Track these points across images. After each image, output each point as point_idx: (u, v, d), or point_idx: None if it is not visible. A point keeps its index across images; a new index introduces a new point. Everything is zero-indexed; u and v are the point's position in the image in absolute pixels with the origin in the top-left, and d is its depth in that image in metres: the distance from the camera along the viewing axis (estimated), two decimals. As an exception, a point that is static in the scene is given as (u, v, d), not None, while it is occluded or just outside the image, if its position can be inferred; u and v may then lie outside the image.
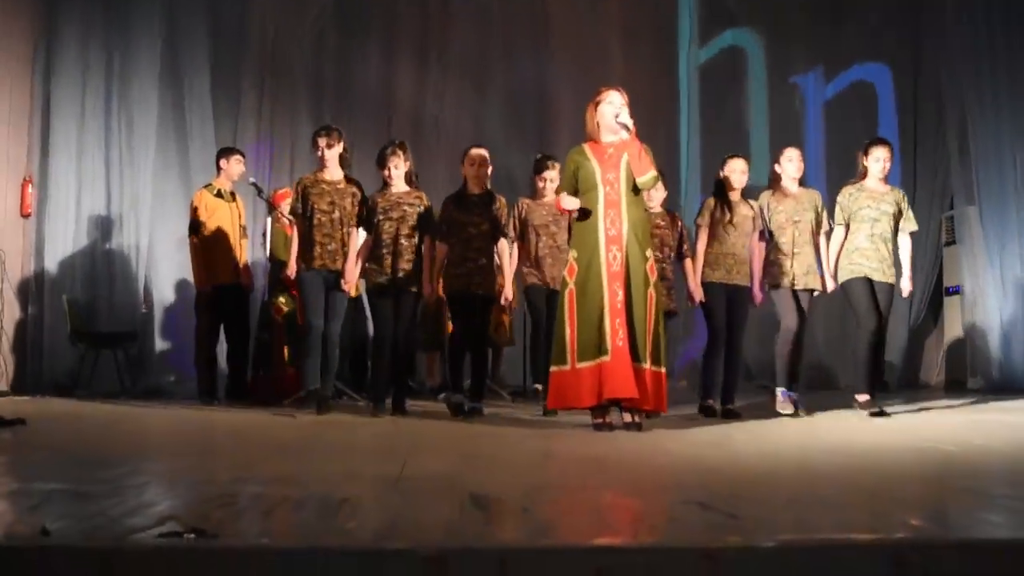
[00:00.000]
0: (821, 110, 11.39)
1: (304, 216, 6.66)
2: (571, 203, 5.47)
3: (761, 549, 2.10)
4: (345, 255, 6.62)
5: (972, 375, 9.98)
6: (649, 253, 5.42)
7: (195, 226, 7.82)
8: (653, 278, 5.39)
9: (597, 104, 5.55)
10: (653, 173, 5.42)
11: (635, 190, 5.44)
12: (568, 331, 5.35)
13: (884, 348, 6.68)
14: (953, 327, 10.44)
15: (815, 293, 6.64)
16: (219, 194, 7.91)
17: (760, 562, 2.05)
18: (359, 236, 6.66)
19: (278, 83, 10.65)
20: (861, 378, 6.44)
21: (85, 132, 9.40)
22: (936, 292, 10.90)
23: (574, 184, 5.54)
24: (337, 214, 6.62)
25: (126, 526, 2.32)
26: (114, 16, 9.58)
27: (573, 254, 5.47)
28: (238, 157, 8.08)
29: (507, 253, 6.71)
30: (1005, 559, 2.10)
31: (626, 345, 5.20)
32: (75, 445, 4.75)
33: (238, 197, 8.11)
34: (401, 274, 6.48)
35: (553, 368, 5.43)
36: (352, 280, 6.69)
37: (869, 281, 6.40)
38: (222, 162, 8.03)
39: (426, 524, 2.43)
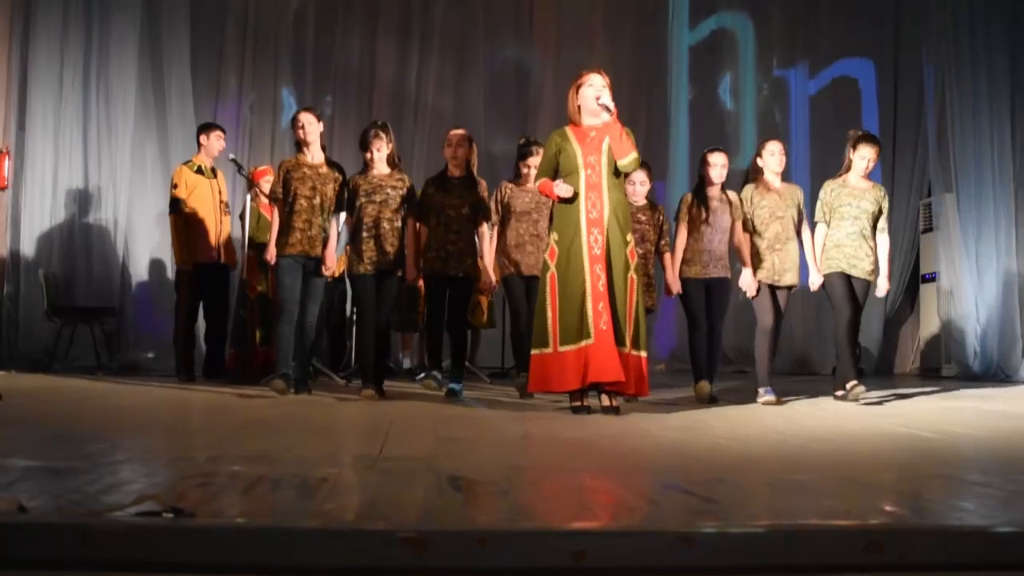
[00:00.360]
0: (806, 101, 11.39)
1: (285, 201, 6.52)
2: (565, 190, 5.39)
3: (738, 533, 2.11)
4: (324, 241, 6.53)
5: (947, 362, 10.07)
6: (630, 237, 5.42)
7: (175, 203, 7.78)
8: (633, 262, 5.40)
9: (578, 87, 5.54)
10: (634, 155, 5.41)
11: (616, 173, 5.45)
12: (550, 314, 5.35)
13: (858, 337, 6.67)
14: (929, 314, 10.53)
15: (793, 289, 6.62)
16: (199, 170, 7.87)
17: (737, 546, 2.07)
18: (340, 219, 6.63)
19: (259, 60, 10.58)
20: (848, 365, 6.41)
21: (63, 105, 9.34)
22: (913, 279, 10.98)
23: (554, 166, 5.53)
24: (318, 200, 6.48)
25: (103, 503, 2.31)
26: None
27: (554, 236, 5.47)
28: (218, 133, 8.04)
29: (487, 237, 6.66)
30: (978, 546, 2.13)
31: (610, 329, 5.21)
32: (51, 421, 4.73)
33: (219, 173, 8.06)
34: (384, 257, 6.42)
35: (535, 352, 5.42)
36: (332, 265, 6.63)
37: (845, 276, 6.41)
38: (202, 138, 7.99)
39: (405, 505, 2.43)
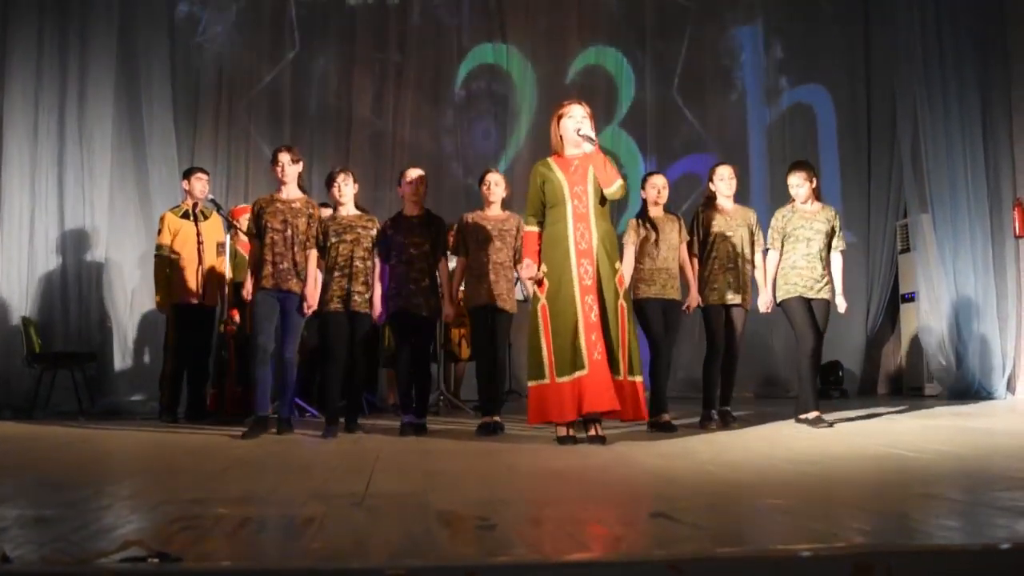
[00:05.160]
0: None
1: (258, 236, 6.53)
2: (529, 270, 5.57)
3: (727, 559, 2.12)
4: (298, 275, 6.49)
5: (928, 381, 10.12)
6: (618, 265, 5.47)
7: (159, 248, 7.82)
8: (622, 289, 5.43)
9: (559, 118, 5.58)
10: (620, 182, 5.44)
11: (602, 202, 5.48)
12: (544, 345, 5.37)
13: (820, 363, 6.73)
14: (909, 333, 10.59)
15: (747, 310, 6.72)
16: (185, 214, 7.89)
17: (726, 572, 2.07)
18: (314, 258, 6.62)
19: (235, 101, 10.62)
20: (808, 396, 6.49)
21: (39, 150, 9.30)
22: (892, 299, 11.05)
23: (541, 197, 5.57)
24: (290, 232, 6.47)
25: (89, 550, 2.29)
26: (69, 33, 9.49)
27: (543, 269, 5.50)
28: (199, 175, 8.06)
29: (447, 273, 6.68)
30: (965, 565, 2.13)
31: (604, 359, 5.24)
32: (34, 468, 4.69)
33: (211, 215, 8.04)
34: (356, 296, 6.47)
35: (532, 383, 5.45)
36: (314, 303, 6.55)
37: (805, 300, 6.50)
38: (184, 183, 8.07)
39: (393, 542, 2.42)
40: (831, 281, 6.58)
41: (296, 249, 6.49)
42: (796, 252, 6.55)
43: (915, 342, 10.42)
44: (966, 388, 9.50)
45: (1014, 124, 9.89)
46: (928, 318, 9.96)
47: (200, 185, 8.00)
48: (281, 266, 6.44)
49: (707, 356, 6.70)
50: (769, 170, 11.15)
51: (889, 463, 4.26)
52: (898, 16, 10.39)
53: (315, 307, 6.54)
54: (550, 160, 5.62)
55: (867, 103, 11.41)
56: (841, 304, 6.65)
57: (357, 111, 10.93)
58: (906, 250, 10.59)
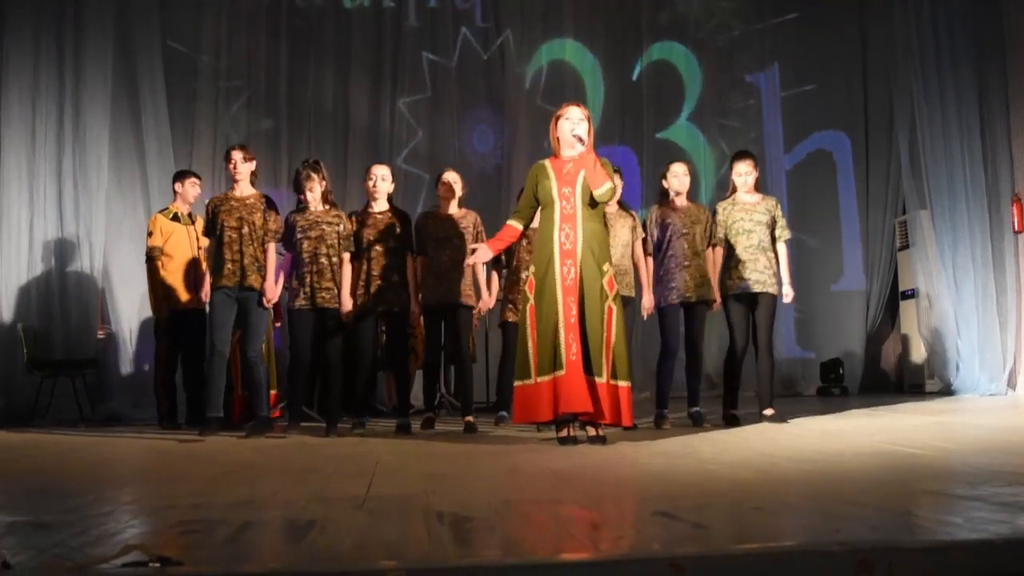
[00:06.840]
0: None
1: (214, 234, 6.59)
2: (482, 254, 5.72)
3: (727, 557, 2.11)
4: (257, 270, 6.54)
5: (929, 377, 10.12)
6: (607, 267, 5.45)
7: (150, 251, 7.77)
8: (612, 292, 5.41)
9: (557, 119, 5.61)
10: (609, 185, 5.45)
11: (593, 204, 5.48)
12: (530, 345, 5.39)
13: (741, 365, 6.71)
14: (910, 331, 10.60)
15: (709, 306, 6.74)
16: (175, 217, 7.87)
17: (727, 570, 2.07)
18: (274, 248, 6.66)
19: (232, 106, 10.63)
20: (731, 396, 6.66)
21: (37, 158, 9.30)
22: (892, 296, 11.05)
23: (533, 199, 5.60)
24: (246, 229, 6.53)
25: (89, 556, 2.29)
26: (65, 40, 9.50)
27: (531, 268, 5.52)
28: (193, 180, 8.05)
29: (413, 270, 6.70)
30: (969, 561, 2.13)
31: (579, 359, 5.25)
32: (34, 475, 4.68)
33: (198, 219, 8.04)
34: (323, 293, 6.46)
35: (517, 383, 5.47)
36: (274, 297, 6.63)
37: (749, 297, 6.52)
38: (177, 185, 8.02)
39: (395, 544, 2.42)
40: (777, 272, 6.59)
41: (255, 245, 6.54)
42: (738, 246, 6.58)
43: (915, 339, 10.43)
44: (966, 384, 9.50)
45: (1012, 119, 9.90)
46: (928, 314, 9.97)
47: (194, 190, 8.00)
48: (242, 263, 6.49)
49: (660, 355, 6.73)
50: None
51: (891, 460, 4.26)
52: (894, 13, 10.40)
53: (274, 300, 6.62)
54: (546, 162, 5.66)
55: (864, 99, 11.40)
56: (788, 294, 6.67)
57: (354, 113, 10.93)
58: (905, 247, 10.60)
